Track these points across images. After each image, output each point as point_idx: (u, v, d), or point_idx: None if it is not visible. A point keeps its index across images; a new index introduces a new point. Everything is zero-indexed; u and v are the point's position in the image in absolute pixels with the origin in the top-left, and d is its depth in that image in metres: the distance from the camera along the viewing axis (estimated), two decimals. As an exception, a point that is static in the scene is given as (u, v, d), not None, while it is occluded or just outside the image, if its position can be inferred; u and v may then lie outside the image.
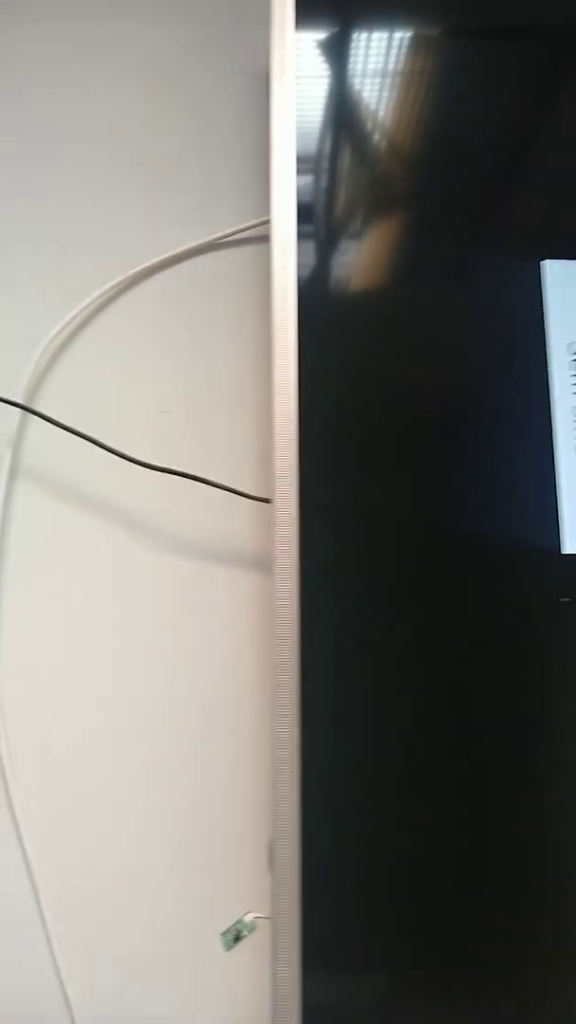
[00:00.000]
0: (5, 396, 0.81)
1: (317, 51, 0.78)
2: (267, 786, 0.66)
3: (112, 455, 0.79)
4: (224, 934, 0.65)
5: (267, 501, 0.74)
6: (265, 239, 0.87)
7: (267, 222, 0.75)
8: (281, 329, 0.70)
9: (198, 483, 0.79)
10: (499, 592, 0.68)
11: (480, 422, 0.71)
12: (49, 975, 0.74)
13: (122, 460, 0.79)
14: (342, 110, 0.77)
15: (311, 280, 0.72)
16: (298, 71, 0.76)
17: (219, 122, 0.92)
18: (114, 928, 0.75)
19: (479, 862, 0.64)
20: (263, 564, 0.81)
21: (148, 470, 0.79)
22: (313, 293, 0.72)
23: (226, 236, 0.88)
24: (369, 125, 0.77)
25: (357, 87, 0.77)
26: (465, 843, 0.64)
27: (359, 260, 0.74)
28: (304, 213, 0.73)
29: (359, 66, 0.78)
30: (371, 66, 0.78)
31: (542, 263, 0.73)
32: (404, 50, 0.79)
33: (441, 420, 0.71)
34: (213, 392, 0.85)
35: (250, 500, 0.79)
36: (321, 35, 0.78)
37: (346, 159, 0.76)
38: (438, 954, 0.63)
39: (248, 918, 0.64)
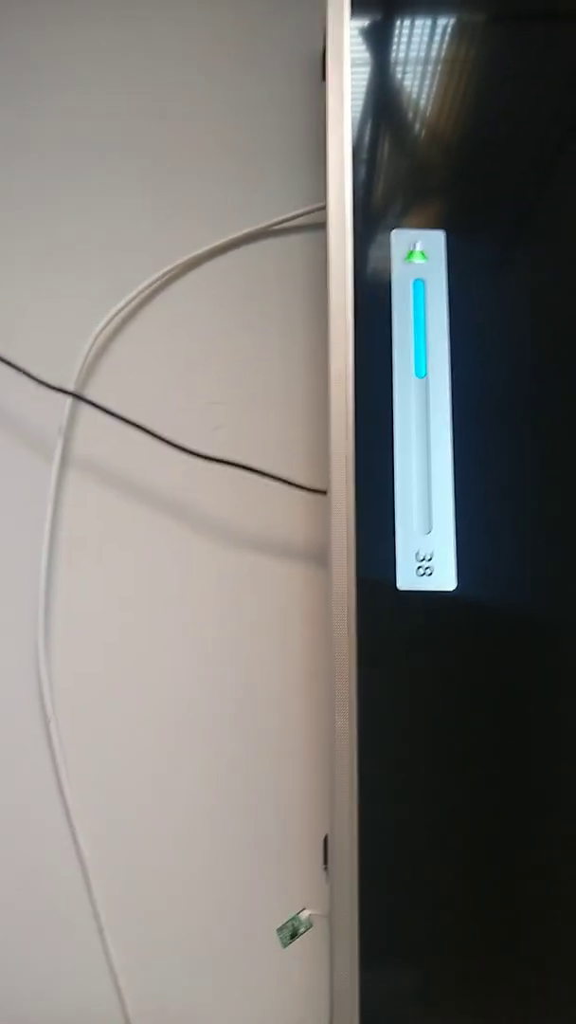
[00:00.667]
0: (56, 384, 0.80)
1: (373, 36, 0.77)
2: (323, 781, 0.65)
3: (163, 444, 0.79)
4: (280, 930, 0.64)
5: (322, 493, 0.73)
6: (317, 226, 0.86)
7: (322, 208, 0.74)
8: (338, 317, 0.69)
9: (250, 474, 0.78)
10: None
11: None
12: (102, 970, 0.73)
13: (173, 450, 0.79)
14: (397, 96, 0.75)
15: (368, 267, 0.71)
16: (353, 56, 0.74)
17: (270, 108, 0.91)
18: (167, 923, 0.74)
19: (545, 860, 0.63)
20: (315, 556, 0.80)
21: (199, 460, 0.78)
22: (370, 280, 0.70)
23: (277, 223, 0.87)
24: (424, 111, 0.75)
25: (413, 73, 0.76)
26: (530, 840, 0.63)
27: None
28: (360, 199, 0.72)
29: (415, 52, 0.76)
30: (427, 52, 0.76)
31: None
32: (462, 36, 0.77)
33: (511, 400, 0.69)
34: (265, 382, 0.84)
35: (304, 492, 0.78)
36: (377, 19, 0.77)
37: (401, 145, 0.75)
38: (499, 954, 0.62)
39: (304, 915, 0.64)
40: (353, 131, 0.73)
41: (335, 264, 0.70)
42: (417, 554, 0.66)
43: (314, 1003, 0.72)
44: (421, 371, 0.69)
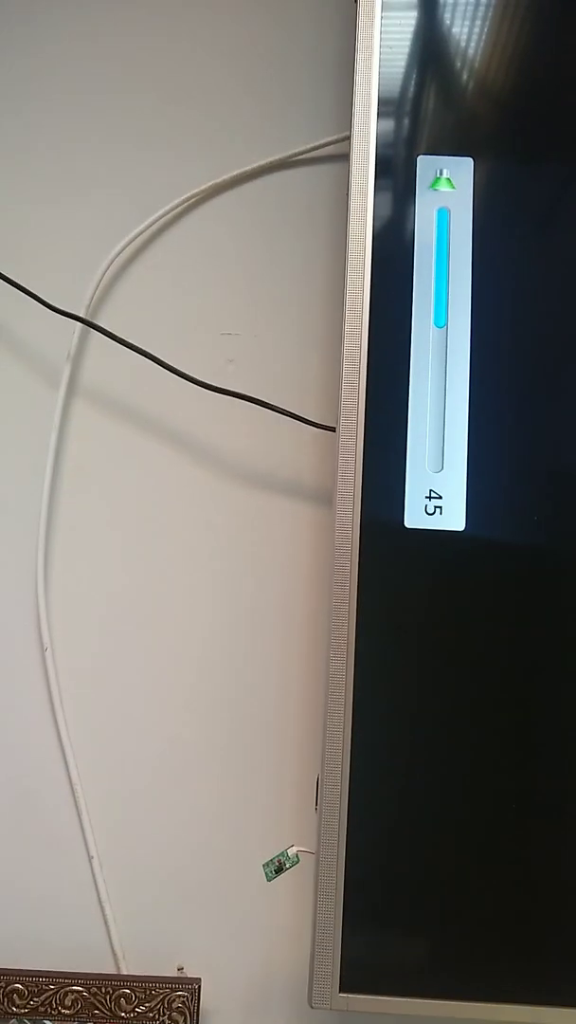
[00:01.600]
0: (67, 309, 0.78)
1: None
2: (317, 722, 0.63)
3: (173, 375, 0.77)
4: (266, 865, 0.63)
5: (331, 429, 0.71)
6: (343, 157, 0.83)
7: (346, 138, 0.71)
8: (356, 245, 0.67)
9: (260, 408, 0.76)
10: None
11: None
12: (91, 898, 0.73)
13: (183, 381, 0.77)
14: (430, 17, 0.72)
15: (391, 194, 0.68)
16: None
17: (298, 35, 0.87)
18: (156, 854, 0.74)
19: (539, 801, 0.62)
20: (323, 496, 0.78)
21: (208, 392, 0.76)
22: (392, 208, 0.68)
23: (302, 152, 0.84)
24: (459, 34, 0.71)
25: (442, 9, 0.72)
26: (516, 785, 0.62)
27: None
28: (386, 122, 0.69)
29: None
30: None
31: None
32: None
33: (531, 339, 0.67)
34: (281, 316, 0.82)
35: (313, 428, 0.76)
36: None
37: (429, 80, 0.71)
38: (481, 895, 0.61)
39: (292, 851, 0.63)
40: (382, 51, 0.69)
41: (356, 188, 0.67)
42: (427, 493, 0.64)
43: (299, 937, 0.71)
44: (441, 309, 0.66)
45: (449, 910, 0.61)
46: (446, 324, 0.66)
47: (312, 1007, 0.58)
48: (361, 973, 0.59)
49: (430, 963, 0.61)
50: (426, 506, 0.64)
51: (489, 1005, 0.59)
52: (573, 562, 0.64)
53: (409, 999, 0.59)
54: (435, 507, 0.64)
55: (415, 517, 0.63)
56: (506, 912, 0.61)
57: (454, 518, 0.63)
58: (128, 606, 0.78)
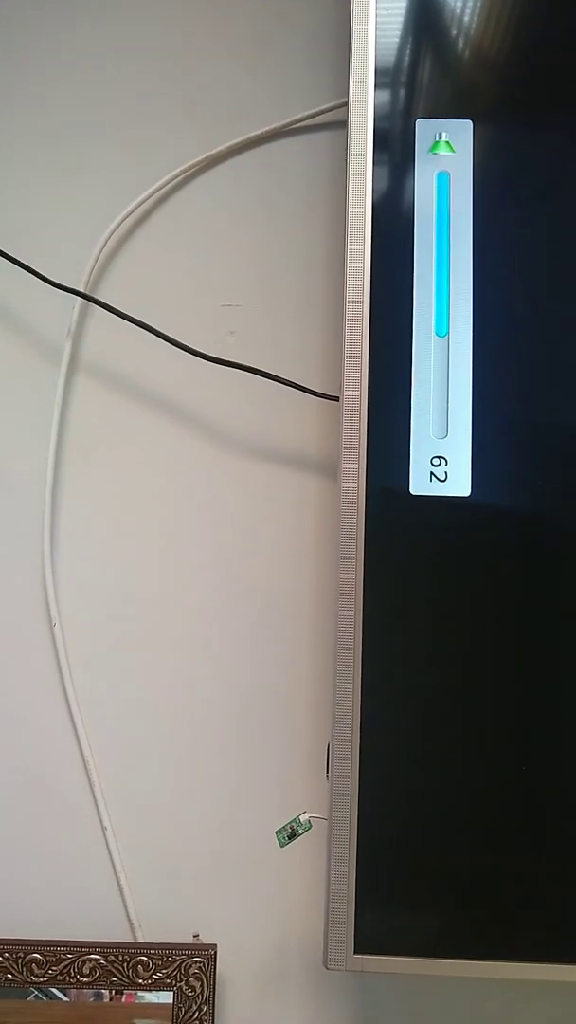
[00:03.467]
0: (66, 284, 0.78)
1: None
2: (327, 690, 0.64)
3: (174, 347, 0.76)
4: (279, 831, 0.64)
5: (335, 399, 0.71)
6: (339, 124, 0.82)
7: (344, 105, 0.70)
8: (356, 210, 0.66)
9: (263, 379, 0.76)
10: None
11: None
12: (105, 869, 0.74)
13: (184, 353, 0.76)
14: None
15: (390, 158, 0.67)
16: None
17: (294, 1, 0.86)
18: (169, 823, 0.75)
19: (546, 768, 0.62)
20: (329, 466, 0.78)
21: (211, 364, 0.76)
22: (391, 172, 0.67)
23: (300, 120, 0.83)
24: (453, 11, 0.70)
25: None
26: (524, 748, 0.62)
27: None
28: (384, 85, 0.68)
29: None
30: None
31: None
32: None
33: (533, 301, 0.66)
34: (282, 286, 0.81)
35: (317, 398, 0.76)
36: None
37: (426, 43, 0.70)
38: (490, 857, 0.61)
39: (304, 817, 0.63)
40: (378, 15, 0.68)
41: (355, 154, 0.67)
42: (432, 459, 0.64)
43: (313, 902, 0.72)
44: (443, 274, 0.66)
45: (459, 872, 0.62)
46: (448, 289, 0.66)
47: (327, 969, 0.59)
48: (375, 934, 0.59)
49: (443, 924, 0.61)
50: (431, 473, 0.64)
51: (501, 963, 0.60)
52: (579, 526, 0.64)
53: (422, 959, 0.60)
54: (441, 473, 0.64)
55: (420, 484, 0.63)
56: (514, 873, 0.61)
57: (459, 484, 0.63)
58: (135, 580, 0.78)
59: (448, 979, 0.70)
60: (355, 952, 0.59)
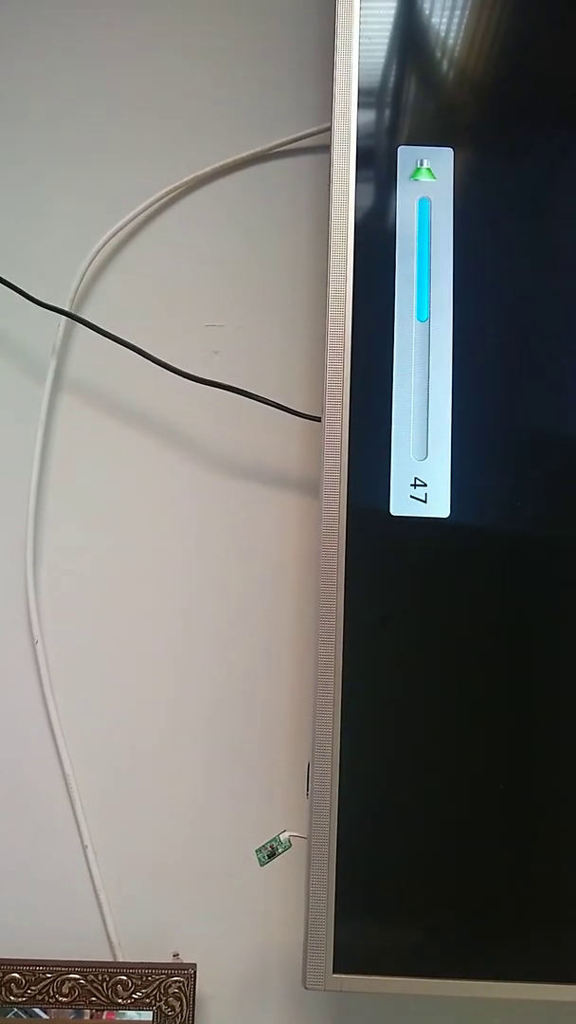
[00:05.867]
0: (51, 303, 0.79)
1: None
2: (307, 709, 0.64)
3: (159, 367, 0.77)
4: (259, 850, 0.64)
5: (316, 419, 0.72)
6: (324, 148, 0.83)
7: (326, 129, 0.71)
8: (339, 236, 0.67)
9: (246, 399, 0.77)
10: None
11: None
12: (86, 888, 0.74)
13: (168, 373, 0.77)
14: (408, 21, 0.72)
15: (371, 185, 0.68)
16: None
17: (278, 26, 0.87)
18: (150, 842, 0.75)
19: (518, 787, 0.62)
20: (310, 486, 0.78)
21: (195, 384, 0.77)
22: (373, 199, 0.68)
23: (283, 144, 0.84)
24: (438, 25, 0.72)
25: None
26: (504, 767, 0.62)
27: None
28: (366, 113, 0.69)
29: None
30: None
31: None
32: None
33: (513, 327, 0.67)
34: (265, 307, 0.82)
35: (299, 418, 0.77)
36: None
37: (409, 70, 0.71)
38: (470, 875, 0.62)
39: (284, 836, 0.64)
40: (361, 41, 0.70)
41: (337, 179, 0.68)
42: (411, 480, 0.65)
43: (293, 921, 0.72)
44: (424, 300, 0.67)
45: (439, 890, 0.62)
46: (428, 315, 0.67)
47: (306, 988, 0.59)
48: (354, 954, 0.60)
49: (422, 943, 0.62)
50: (411, 494, 0.64)
51: (481, 983, 0.60)
52: (556, 547, 0.65)
53: (402, 978, 0.60)
54: (420, 495, 0.64)
55: (400, 505, 0.64)
56: (496, 892, 0.62)
57: (439, 505, 0.64)
58: (117, 597, 0.78)
59: (429, 998, 0.70)
60: (334, 971, 0.59)
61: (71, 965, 0.70)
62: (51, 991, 0.70)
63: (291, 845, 0.64)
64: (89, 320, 0.79)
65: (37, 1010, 0.70)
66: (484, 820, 0.62)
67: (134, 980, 0.70)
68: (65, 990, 0.70)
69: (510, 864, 0.62)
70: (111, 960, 0.72)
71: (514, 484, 0.66)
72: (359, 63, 0.69)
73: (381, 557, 0.64)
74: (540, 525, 0.65)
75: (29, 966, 0.70)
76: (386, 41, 0.71)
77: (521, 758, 0.63)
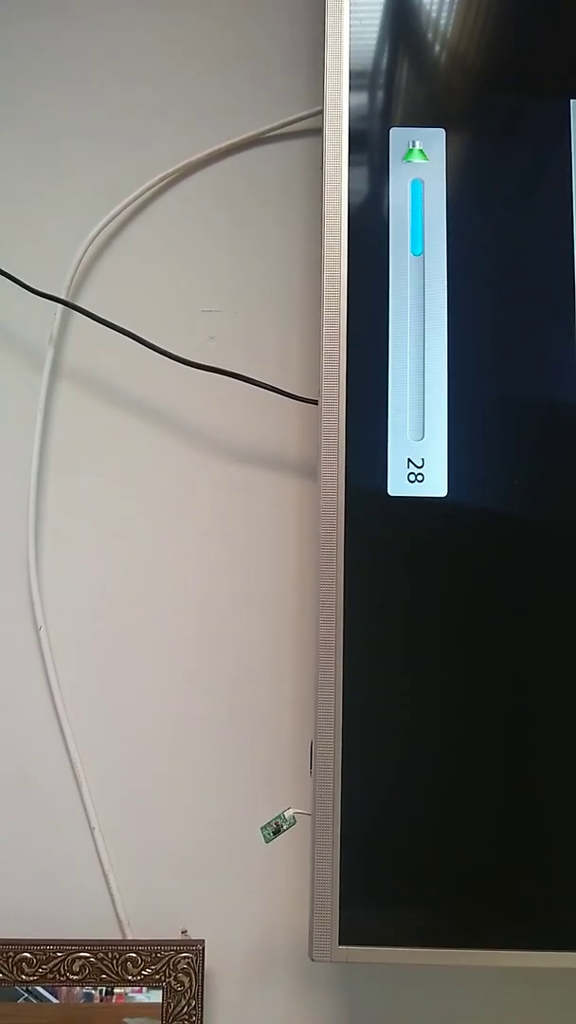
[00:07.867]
0: (47, 292, 0.79)
1: None
2: (309, 688, 0.65)
3: (155, 353, 0.77)
4: (264, 828, 0.65)
5: (314, 402, 0.72)
6: (314, 132, 0.83)
7: (319, 113, 0.71)
8: (333, 219, 0.67)
9: (243, 383, 0.77)
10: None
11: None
12: (94, 868, 0.75)
13: (165, 359, 0.77)
14: (398, 1, 0.72)
15: (365, 167, 0.69)
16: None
17: (268, 10, 0.87)
18: (156, 822, 0.76)
19: (518, 761, 0.63)
20: (308, 469, 0.79)
21: (192, 369, 0.77)
22: (366, 181, 0.68)
23: (277, 128, 0.84)
24: (426, 19, 0.72)
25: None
26: (503, 742, 0.64)
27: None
28: (358, 95, 0.69)
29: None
30: None
31: None
32: None
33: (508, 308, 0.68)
34: (261, 292, 0.83)
35: (296, 401, 0.77)
36: None
37: (400, 52, 0.71)
38: (471, 847, 0.63)
39: (288, 813, 0.65)
40: (352, 24, 0.70)
41: (330, 162, 0.68)
42: (409, 460, 0.65)
43: (298, 897, 0.73)
44: (418, 281, 0.67)
45: (442, 862, 0.63)
46: (424, 294, 0.67)
47: (313, 960, 0.60)
48: (359, 926, 0.61)
49: (425, 913, 0.63)
50: (408, 474, 0.65)
51: (484, 952, 0.61)
52: (552, 525, 0.66)
53: (406, 949, 0.61)
54: (417, 475, 0.65)
55: (398, 485, 0.65)
56: (497, 863, 0.63)
57: (436, 485, 0.65)
58: (119, 582, 0.79)
59: (434, 968, 0.71)
60: (340, 943, 0.61)
61: (81, 944, 0.71)
62: (62, 969, 0.71)
63: (296, 822, 0.65)
64: (86, 308, 0.79)
65: (45, 992, 0.71)
66: (486, 793, 0.63)
67: (143, 957, 0.71)
68: (75, 968, 0.71)
69: (514, 835, 0.63)
70: (120, 938, 0.73)
71: (510, 462, 0.66)
72: (350, 45, 0.70)
73: (380, 537, 0.65)
74: (537, 502, 0.66)
75: (40, 946, 0.71)
76: (377, 23, 0.71)
77: (521, 735, 0.64)
